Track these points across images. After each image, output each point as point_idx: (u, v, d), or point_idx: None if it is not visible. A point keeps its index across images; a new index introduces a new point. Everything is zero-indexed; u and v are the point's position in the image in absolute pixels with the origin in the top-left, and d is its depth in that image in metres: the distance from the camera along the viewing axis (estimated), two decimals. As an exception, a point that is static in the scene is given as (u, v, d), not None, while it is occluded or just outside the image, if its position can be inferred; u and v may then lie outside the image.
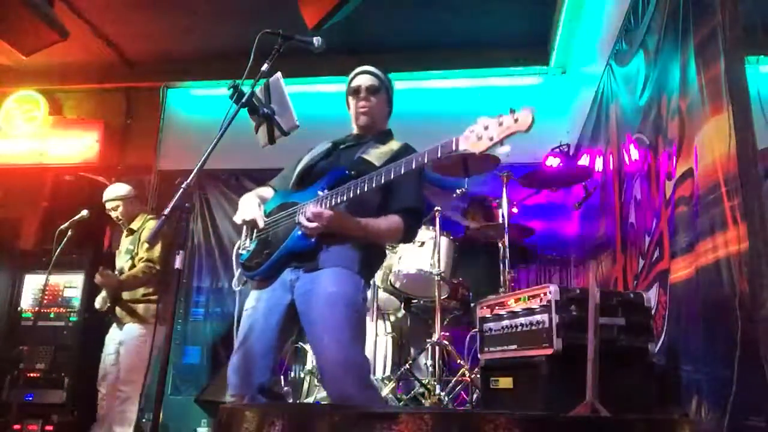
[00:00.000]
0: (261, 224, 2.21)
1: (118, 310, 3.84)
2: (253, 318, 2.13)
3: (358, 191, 1.97)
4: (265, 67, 2.10)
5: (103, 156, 6.08)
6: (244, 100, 2.08)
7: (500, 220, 3.94)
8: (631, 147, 3.53)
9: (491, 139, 1.65)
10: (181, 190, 1.85)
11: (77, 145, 6.12)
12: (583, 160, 4.86)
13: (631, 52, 3.59)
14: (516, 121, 1.63)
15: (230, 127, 2.01)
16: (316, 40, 2.21)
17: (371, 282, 2.29)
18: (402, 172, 1.87)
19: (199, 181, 5.78)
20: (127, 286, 3.79)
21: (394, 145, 2.31)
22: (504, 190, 3.93)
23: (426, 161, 1.82)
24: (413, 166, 1.84)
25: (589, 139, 4.85)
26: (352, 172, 2.09)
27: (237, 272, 2.28)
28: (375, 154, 2.23)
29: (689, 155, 2.53)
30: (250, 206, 2.25)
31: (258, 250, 2.22)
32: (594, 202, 4.49)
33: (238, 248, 2.31)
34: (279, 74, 2.24)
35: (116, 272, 3.95)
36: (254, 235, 2.27)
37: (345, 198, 2.01)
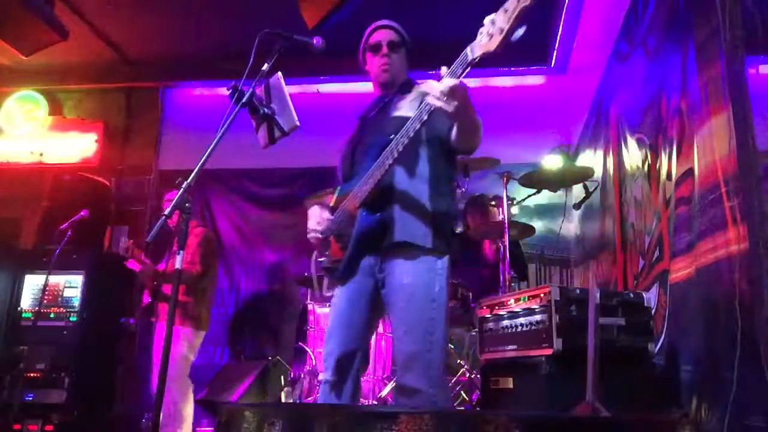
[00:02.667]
0: (329, 227, 2.20)
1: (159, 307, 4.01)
2: (339, 307, 2.16)
3: (416, 126, 1.88)
4: (265, 67, 2.09)
5: (103, 156, 6.08)
6: (244, 100, 2.07)
7: (499, 220, 3.94)
8: (631, 147, 3.53)
9: (502, 30, 1.58)
10: (181, 190, 1.85)
11: (77, 145, 6.13)
12: (583, 160, 4.86)
13: (631, 51, 3.59)
14: None
15: (230, 127, 2.01)
16: (316, 40, 2.21)
17: (454, 248, 2.13)
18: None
19: (199, 181, 5.78)
20: (166, 278, 3.87)
21: (419, 88, 2.17)
22: (504, 190, 3.93)
23: (460, 75, 1.75)
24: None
25: (589, 139, 4.85)
26: (391, 136, 1.99)
27: (324, 281, 2.28)
28: (405, 106, 2.16)
29: (689, 155, 2.53)
30: (313, 216, 2.26)
31: (335, 247, 2.21)
32: (594, 202, 4.49)
33: (316, 258, 2.34)
34: (279, 74, 2.24)
35: None
36: (327, 240, 2.26)
37: (405, 141, 1.92)
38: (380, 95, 2.34)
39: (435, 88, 1.74)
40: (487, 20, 1.62)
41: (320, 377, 2.16)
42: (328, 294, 2.25)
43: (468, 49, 1.68)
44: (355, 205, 2.09)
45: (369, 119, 2.31)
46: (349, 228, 2.12)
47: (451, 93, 1.73)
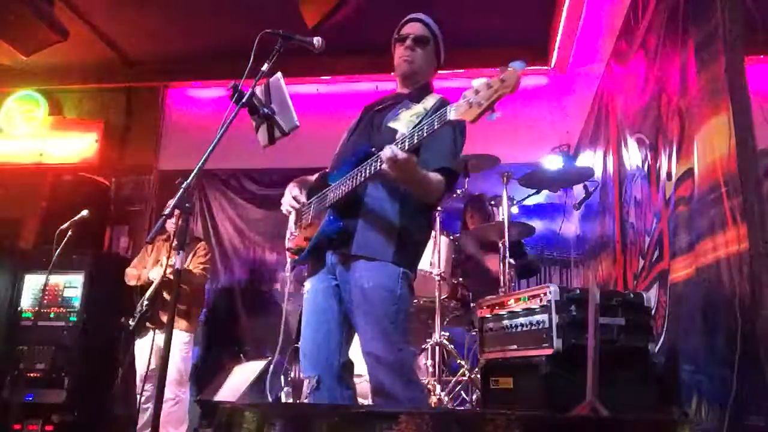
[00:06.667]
0: (295, 208, 2.24)
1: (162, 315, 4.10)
2: (311, 301, 2.18)
3: (367, 174, 1.93)
4: (265, 67, 2.09)
5: (103, 156, 6.08)
6: (244, 100, 2.07)
7: (500, 220, 3.93)
8: (631, 147, 3.53)
9: (480, 105, 1.60)
10: (181, 190, 1.85)
11: (77, 145, 6.13)
12: (583, 160, 4.86)
13: (631, 51, 3.59)
14: (503, 81, 1.58)
15: (230, 127, 2.01)
16: (316, 40, 2.21)
17: (415, 270, 2.16)
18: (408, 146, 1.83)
19: (199, 181, 5.78)
20: (184, 278, 4.00)
21: (428, 102, 2.15)
22: (504, 190, 3.93)
23: (425, 135, 1.80)
24: (413, 142, 1.83)
25: (589, 139, 4.85)
26: (373, 149, 2.02)
27: (287, 261, 2.32)
28: (404, 119, 2.12)
29: (689, 155, 2.53)
30: (287, 194, 2.29)
31: (300, 236, 2.24)
32: (594, 202, 4.48)
33: (288, 236, 2.33)
34: (279, 74, 2.24)
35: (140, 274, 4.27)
36: (297, 222, 2.29)
37: (361, 178, 1.97)
38: (395, 93, 2.35)
39: (384, 152, 1.82)
40: (474, 84, 1.63)
41: (305, 385, 2.10)
42: (288, 274, 2.29)
43: (448, 108, 1.70)
44: (326, 204, 2.12)
45: (371, 114, 2.32)
46: (317, 220, 2.15)
47: (392, 163, 1.82)
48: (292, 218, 2.32)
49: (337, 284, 2.13)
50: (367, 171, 1.96)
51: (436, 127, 1.75)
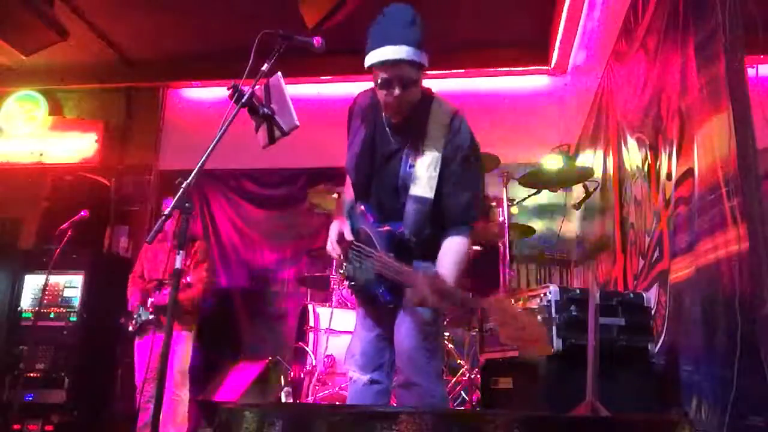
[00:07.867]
0: (342, 247, 2.19)
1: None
2: (362, 305, 2.25)
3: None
4: (265, 67, 2.09)
5: (103, 156, 6.08)
6: (244, 100, 2.07)
7: (500, 220, 3.93)
8: (631, 147, 3.53)
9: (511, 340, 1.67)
10: (181, 190, 1.85)
11: (77, 145, 6.13)
12: (583, 160, 4.86)
13: (631, 52, 3.59)
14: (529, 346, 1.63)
15: (230, 127, 2.01)
16: (317, 41, 2.21)
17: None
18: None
19: (199, 181, 5.78)
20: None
21: (436, 134, 2.03)
22: (504, 190, 3.93)
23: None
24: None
25: (589, 139, 4.84)
26: (405, 233, 2.02)
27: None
28: (423, 176, 2.02)
29: (689, 155, 2.53)
30: (334, 231, 2.21)
31: (353, 273, 2.17)
32: (594, 202, 4.48)
33: (341, 269, 2.40)
34: (279, 74, 2.24)
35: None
36: (346, 260, 2.23)
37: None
38: (393, 125, 2.12)
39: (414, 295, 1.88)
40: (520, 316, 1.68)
41: (350, 374, 2.21)
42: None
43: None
44: (372, 270, 2.06)
45: (382, 163, 2.14)
46: (365, 274, 2.10)
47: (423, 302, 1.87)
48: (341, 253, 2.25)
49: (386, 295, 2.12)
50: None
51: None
